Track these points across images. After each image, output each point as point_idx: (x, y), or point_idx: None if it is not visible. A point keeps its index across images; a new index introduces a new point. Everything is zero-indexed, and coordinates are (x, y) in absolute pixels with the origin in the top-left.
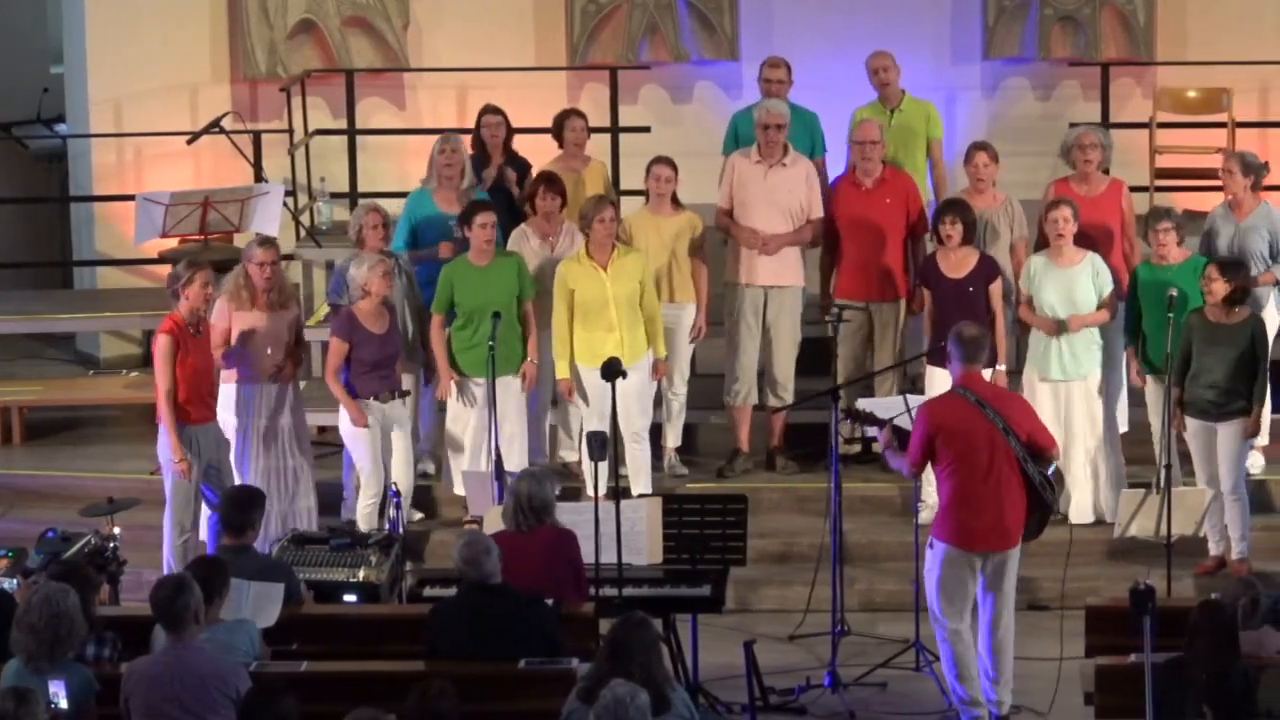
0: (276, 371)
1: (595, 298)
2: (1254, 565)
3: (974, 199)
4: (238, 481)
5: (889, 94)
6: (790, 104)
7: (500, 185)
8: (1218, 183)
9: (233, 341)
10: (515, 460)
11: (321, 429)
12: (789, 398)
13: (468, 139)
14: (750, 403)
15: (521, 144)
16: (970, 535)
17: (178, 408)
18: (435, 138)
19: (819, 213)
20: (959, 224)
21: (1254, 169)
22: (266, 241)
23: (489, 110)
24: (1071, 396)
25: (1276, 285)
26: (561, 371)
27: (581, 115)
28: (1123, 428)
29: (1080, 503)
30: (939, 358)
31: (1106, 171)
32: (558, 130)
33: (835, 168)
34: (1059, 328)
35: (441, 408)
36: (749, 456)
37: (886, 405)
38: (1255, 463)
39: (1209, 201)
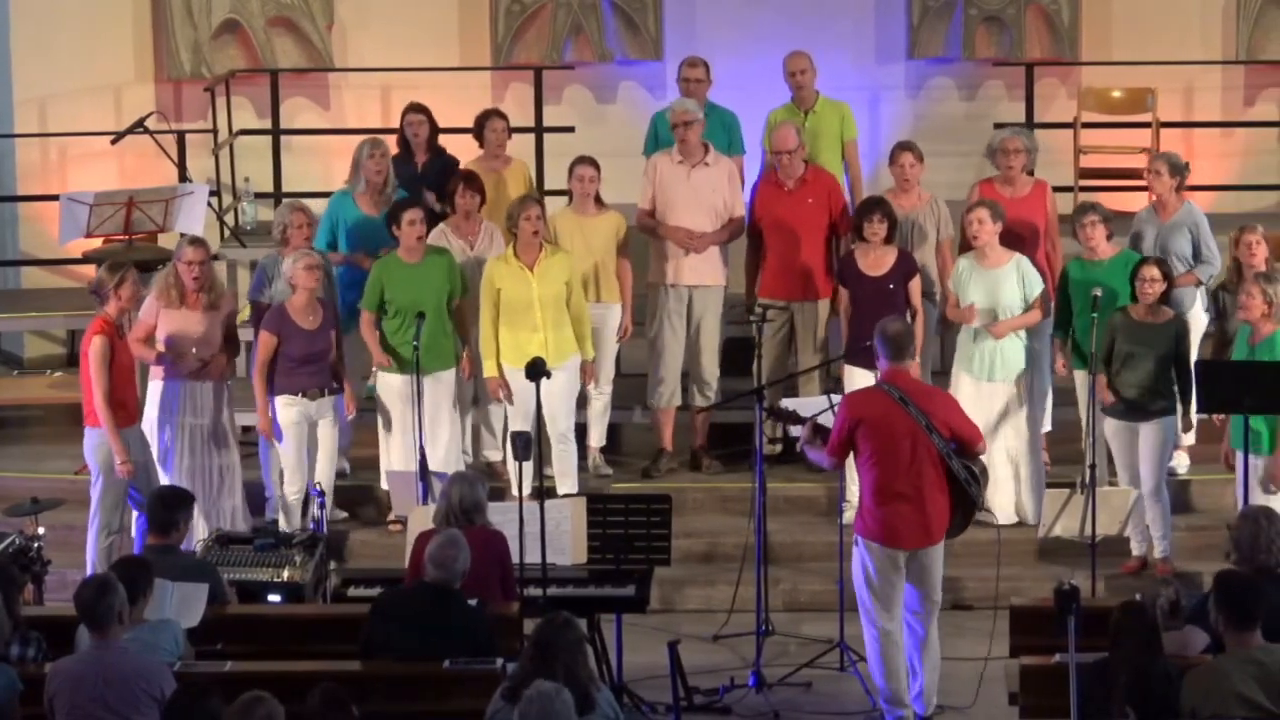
0: (200, 369)
1: (521, 298)
2: (1177, 565)
3: (899, 199)
4: (163, 481)
5: (804, 96)
6: (709, 103)
7: (427, 176)
8: (1143, 183)
9: (159, 339)
10: (443, 456)
11: (245, 429)
12: (714, 397)
13: (393, 139)
14: (674, 404)
15: (448, 143)
16: (891, 531)
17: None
18: (359, 138)
19: (741, 211)
20: (885, 222)
21: (1180, 170)
22: (196, 241)
23: (412, 109)
24: (996, 397)
25: (1199, 286)
26: (489, 370)
27: (502, 116)
28: (1046, 427)
29: (1001, 504)
30: (859, 358)
31: (1031, 173)
32: (479, 131)
33: (754, 167)
34: (987, 317)
35: (370, 406)
36: (673, 456)
37: (810, 404)
38: (1180, 463)
39: (1133, 201)
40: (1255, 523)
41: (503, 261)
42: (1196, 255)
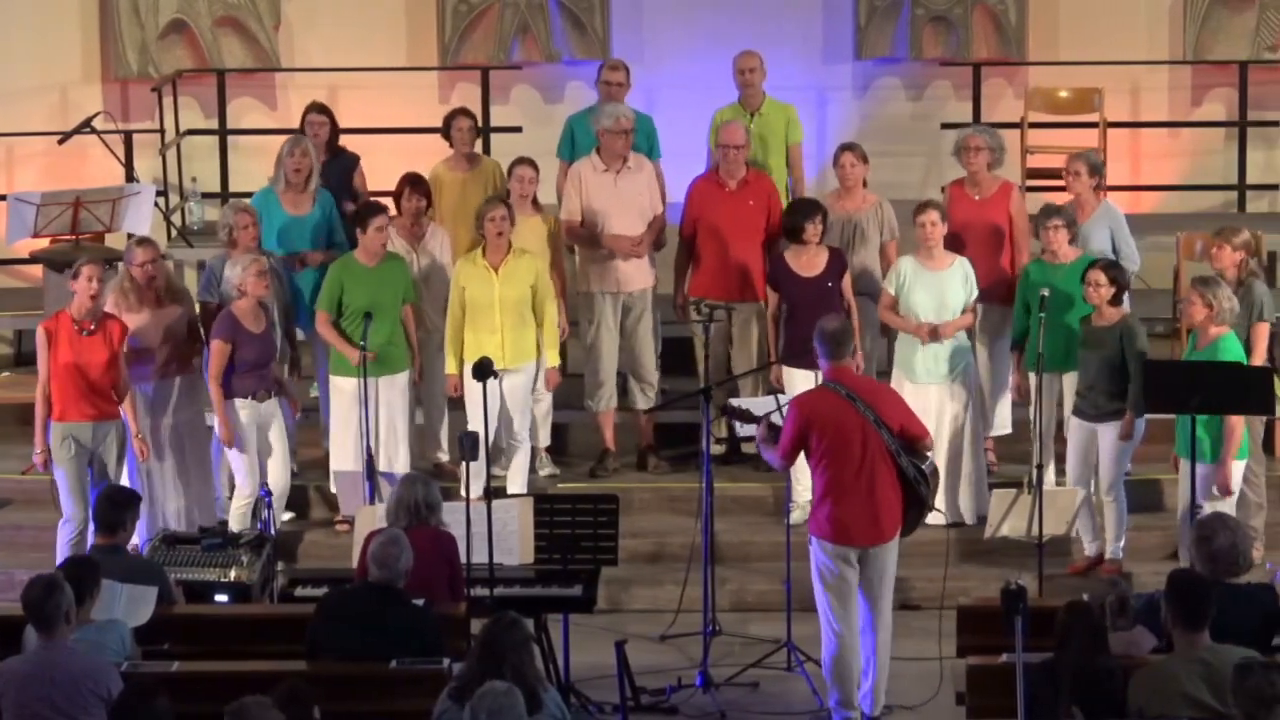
0: (165, 367)
1: (483, 298)
2: (1124, 565)
3: (842, 200)
4: (125, 481)
5: (751, 95)
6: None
7: (328, 176)
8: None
9: (126, 342)
10: (393, 458)
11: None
12: (656, 398)
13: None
14: (612, 406)
15: (395, 144)
16: (843, 529)
17: (49, 402)
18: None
19: (661, 208)
20: (822, 224)
21: (1098, 170)
22: (145, 241)
23: (314, 109)
24: (935, 398)
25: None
26: (450, 368)
27: (469, 114)
28: (1005, 430)
29: (946, 505)
30: (800, 360)
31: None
32: (446, 130)
33: (677, 170)
34: (931, 333)
35: (315, 406)
36: (617, 456)
37: (759, 404)
38: None
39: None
40: (1233, 533)
41: (470, 262)
42: (1117, 254)
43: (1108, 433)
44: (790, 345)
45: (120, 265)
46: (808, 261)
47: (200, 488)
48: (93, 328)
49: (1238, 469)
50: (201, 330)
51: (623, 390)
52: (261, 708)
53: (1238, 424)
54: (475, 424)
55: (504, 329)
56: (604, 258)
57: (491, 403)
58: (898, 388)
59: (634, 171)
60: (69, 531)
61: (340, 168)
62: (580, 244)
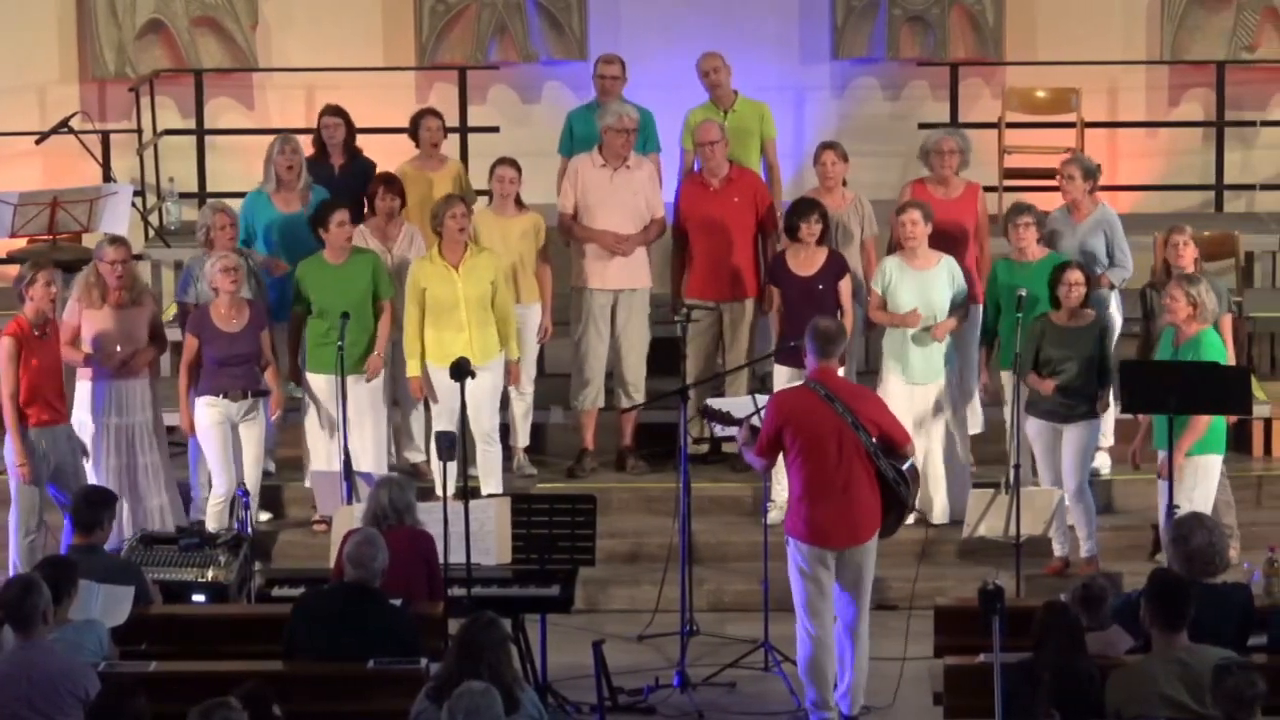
0: (120, 367)
1: (446, 297)
2: (1101, 565)
3: (823, 198)
4: (90, 481)
5: (721, 95)
6: (624, 101)
7: (344, 179)
8: None
9: (84, 340)
10: (369, 460)
11: (171, 429)
12: (640, 398)
13: (308, 139)
14: (598, 406)
15: (370, 144)
16: (819, 531)
17: (19, 410)
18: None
19: (661, 211)
20: (821, 223)
21: (1092, 173)
22: (117, 240)
23: (329, 111)
24: (928, 398)
25: (1112, 288)
26: (412, 370)
27: (437, 115)
28: (977, 429)
29: (940, 504)
30: (788, 357)
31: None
32: (414, 130)
33: (671, 166)
34: (920, 324)
35: (293, 406)
36: (596, 456)
37: (739, 404)
38: (1103, 463)
39: (1057, 202)
40: (1210, 533)
41: (428, 261)
42: (1110, 257)
43: (1075, 432)
44: (780, 343)
45: (89, 263)
46: (804, 260)
47: (149, 494)
48: (46, 331)
49: (1210, 464)
50: (168, 333)
51: (607, 389)
52: (228, 709)
53: (1202, 417)
54: (443, 424)
55: (470, 326)
56: (595, 254)
57: (458, 401)
58: (887, 385)
59: (632, 170)
60: (28, 540)
61: (357, 171)
62: (570, 237)
